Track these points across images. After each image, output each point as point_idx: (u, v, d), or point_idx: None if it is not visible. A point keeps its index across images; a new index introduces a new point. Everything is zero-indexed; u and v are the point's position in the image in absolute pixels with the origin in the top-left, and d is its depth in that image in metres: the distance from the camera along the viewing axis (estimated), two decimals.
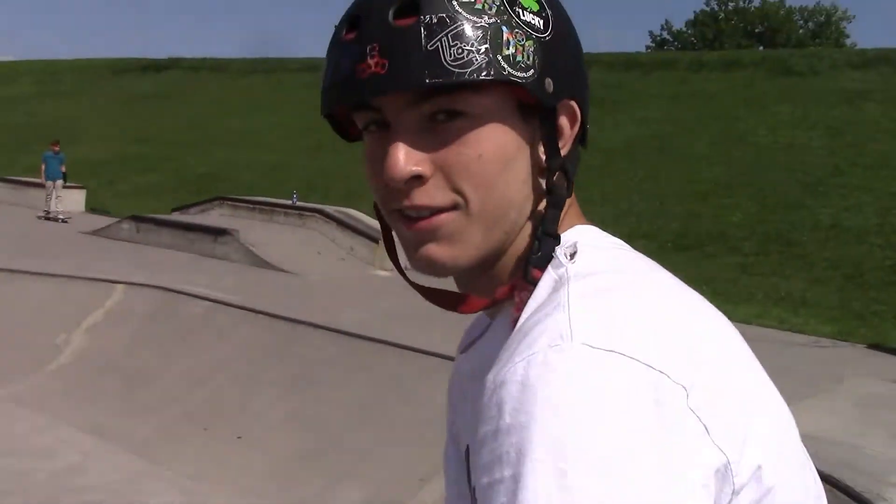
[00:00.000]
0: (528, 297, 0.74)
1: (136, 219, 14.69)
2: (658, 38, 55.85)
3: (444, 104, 0.72)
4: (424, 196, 0.74)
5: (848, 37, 55.08)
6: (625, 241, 0.82)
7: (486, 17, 0.72)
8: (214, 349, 7.53)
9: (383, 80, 0.71)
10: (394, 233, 0.82)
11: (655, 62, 30.47)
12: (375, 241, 13.29)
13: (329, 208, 14.70)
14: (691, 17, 57.27)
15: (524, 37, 0.73)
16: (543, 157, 0.78)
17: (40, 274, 9.45)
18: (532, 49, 0.74)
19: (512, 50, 0.72)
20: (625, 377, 0.63)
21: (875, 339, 10.03)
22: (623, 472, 0.59)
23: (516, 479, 0.60)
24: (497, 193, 0.75)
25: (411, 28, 0.71)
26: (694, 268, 12.89)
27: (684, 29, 55.86)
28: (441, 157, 0.73)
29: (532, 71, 0.73)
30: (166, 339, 7.86)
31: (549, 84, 0.75)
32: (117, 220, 15.79)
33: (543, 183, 0.78)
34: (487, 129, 0.73)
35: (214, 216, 15.40)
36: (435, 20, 0.71)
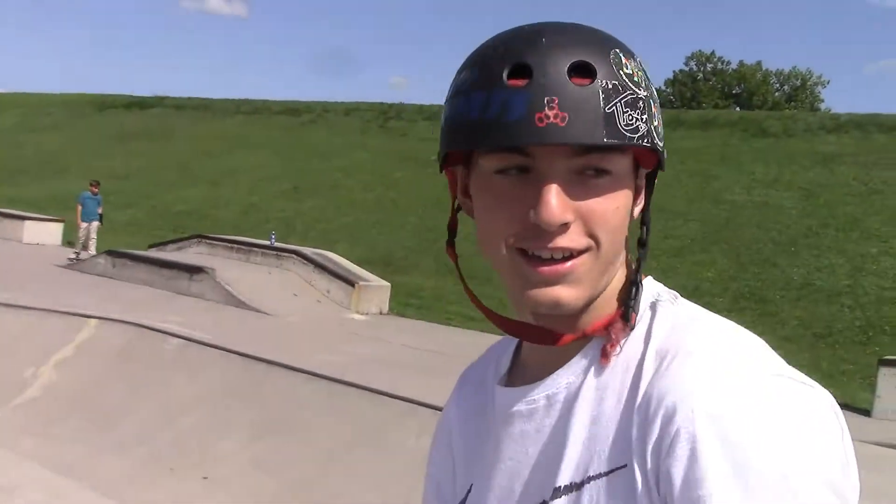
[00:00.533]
0: (625, 335, 0.85)
1: (112, 254, 14.58)
2: None
3: (595, 161, 0.80)
4: (567, 240, 0.81)
5: (822, 101, 56.44)
6: None
7: (642, 90, 0.81)
8: (185, 387, 7.44)
9: (562, 131, 0.77)
10: (506, 274, 0.85)
11: None
12: (352, 284, 13.28)
13: (307, 250, 14.69)
14: (670, 76, 58.52)
15: (658, 110, 0.85)
16: (637, 210, 0.89)
17: (11, 306, 9.34)
18: (660, 120, 0.85)
19: (657, 122, 0.83)
20: (812, 399, 0.76)
21: (843, 399, 10.12)
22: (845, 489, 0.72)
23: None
24: (619, 239, 0.84)
25: (590, 89, 0.78)
26: None
27: (663, 88, 56.98)
28: (585, 206, 0.81)
29: (663, 141, 0.85)
30: (137, 375, 7.76)
31: (665, 152, 0.86)
32: (93, 254, 15.65)
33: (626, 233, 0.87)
34: (624, 186, 0.83)
35: (192, 254, 15.33)
36: (610, 86, 0.79)
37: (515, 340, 0.99)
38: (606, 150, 0.79)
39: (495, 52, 0.82)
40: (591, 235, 0.81)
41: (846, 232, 17.96)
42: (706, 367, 0.75)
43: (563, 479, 0.82)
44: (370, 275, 14.14)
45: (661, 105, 0.86)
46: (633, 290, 0.86)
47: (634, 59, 0.83)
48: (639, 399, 0.78)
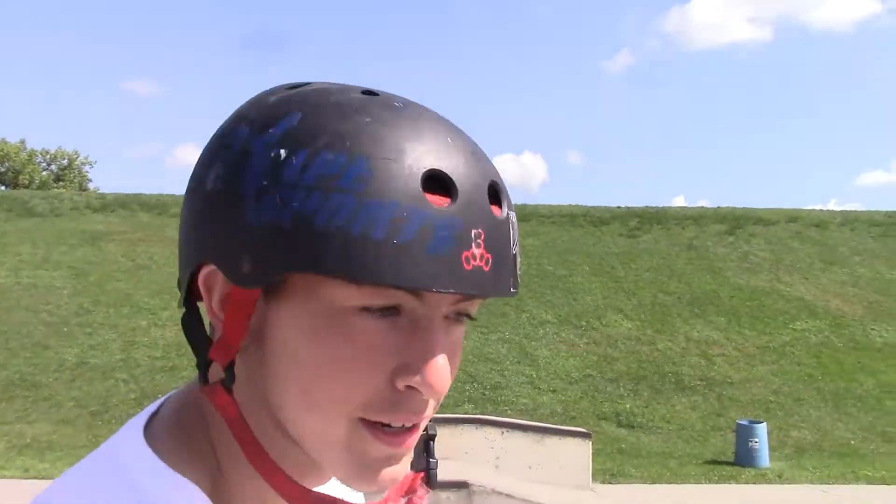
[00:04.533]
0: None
1: None
2: None
3: (468, 308, 0.63)
4: (430, 407, 0.63)
5: (90, 181, 57.34)
6: None
7: None
8: None
9: (487, 279, 0.58)
10: (329, 449, 0.62)
11: None
12: None
13: None
14: None
15: None
16: None
17: None
18: None
19: None
20: None
21: None
22: None
23: None
24: None
25: (506, 222, 0.61)
26: None
27: None
28: (452, 363, 0.63)
29: None
30: None
31: None
32: None
33: None
34: None
35: None
36: (514, 219, 0.62)
37: None
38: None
39: (392, 144, 0.58)
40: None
41: (117, 308, 18.38)
42: None
43: None
44: None
45: None
46: (428, 445, 0.72)
47: None
48: None
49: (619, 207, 27.57)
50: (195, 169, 0.65)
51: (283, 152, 0.58)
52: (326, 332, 0.59)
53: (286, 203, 0.56)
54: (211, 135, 0.66)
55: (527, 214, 25.47)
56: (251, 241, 0.57)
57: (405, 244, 0.55)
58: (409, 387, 0.60)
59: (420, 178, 0.57)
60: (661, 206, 28.21)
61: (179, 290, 0.67)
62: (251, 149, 0.60)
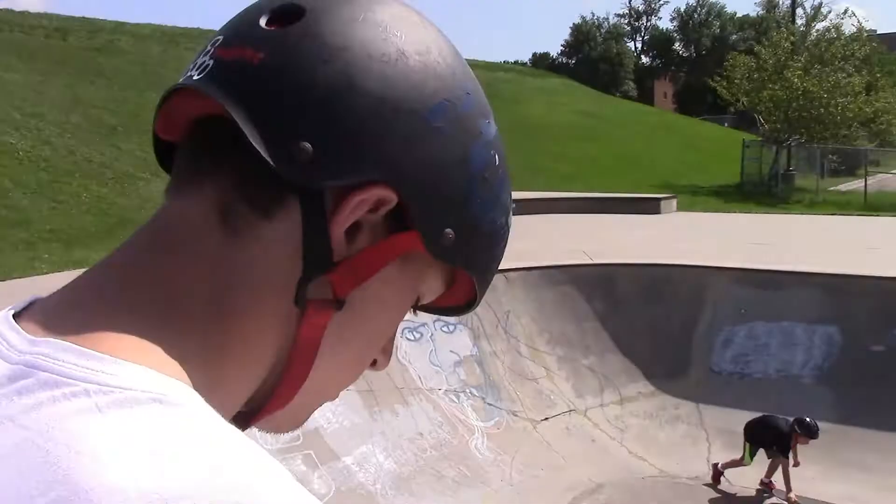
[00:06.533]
0: None
1: None
2: None
3: None
4: None
5: None
6: None
7: None
8: None
9: None
10: (345, 371, 0.67)
11: None
12: None
13: None
14: None
15: None
16: None
17: None
18: None
19: None
20: None
21: None
22: None
23: None
24: None
25: None
26: None
27: None
28: None
29: None
30: None
31: None
32: None
33: None
34: None
35: None
36: None
37: None
38: None
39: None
40: None
41: None
42: None
43: None
44: None
45: None
46: None
47: None
48: None
49: None
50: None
51: (494, 154, 0.65)
52: (397, 310, 0.65)
53: (489, 208, 0.64)
54: None
55: None
56: (467, 224, 0.63)
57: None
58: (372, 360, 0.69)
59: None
60: None
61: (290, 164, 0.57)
62: (481, 129, 0.64)
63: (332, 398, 0.68)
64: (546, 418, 8.45)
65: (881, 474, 7.50)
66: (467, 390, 8.11)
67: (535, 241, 10.72)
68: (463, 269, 0.65)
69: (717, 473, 7.71)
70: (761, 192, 23.26)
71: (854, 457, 7.77)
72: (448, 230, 0.60)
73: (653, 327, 9.45)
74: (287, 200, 0.57)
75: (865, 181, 23.43)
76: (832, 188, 24.89)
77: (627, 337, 9.41)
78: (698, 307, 9.59)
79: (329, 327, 0.60)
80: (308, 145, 0.56)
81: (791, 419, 7.33)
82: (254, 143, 0.55)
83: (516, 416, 8.27)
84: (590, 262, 10.21)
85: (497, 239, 0.66)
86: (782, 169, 24.74)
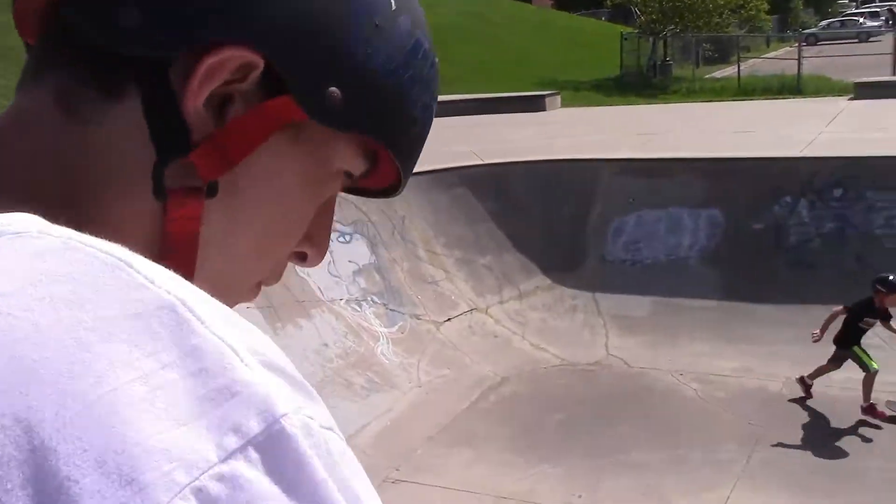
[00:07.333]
0: None
1: None
2: None
3: None
4: None
5: None
6: None
7: None
8: None
9: None
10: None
11: None
12: None
13: None
14: None
15: None
16: None
17: None
18: None
19: None
20: None
21: None
22: None
23: None
24: None
25: None
26: None
27: None
28: None
29: None
30: None
31: None
32: None
33: None
34: None
35: None
36: None
37: None
38: None
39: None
40: None
41: None
42: None
43: None
44: None
45: None
46: None
47: None
48: None
49: None
50: None
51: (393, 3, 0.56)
52: (312, 188, 0.58)
53: (387, 60, 0.56)
54: None
55: None
56: (357, 81, 0.55)
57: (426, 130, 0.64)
58: (301, 253, 0.62)
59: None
60: None
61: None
62: None
63: (247, 298, 0.61)
64: (448, 319, 8.60)
65: (767, 344, 7.96)
66: (369, 298, 8.16)
67: (424, 145, 10.65)
68: (369, 137, 0.57)
69: (807, 386, 7.12)
70: (641, 83, 23.79)
71: (742, 331, 8.21)
72: (333, 89, 0.53)
73: (547, 222, 9.65)
74: (131, 78, 0.50)
75: (739, 67, 24.15)
76: (707, 76, 25.61)
77: (522, 234, 9.59)
78: (589, 199, 9.82)
79: (212, 216, 0.52)
80: (136, 10, 0.48)
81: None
82: (76, 17, 0.48)
83: (419, 319, 8.38)
84: (480, 162, 10.27)
85: (405, 97, 0.58)
86: (659, 60, 25.31)
